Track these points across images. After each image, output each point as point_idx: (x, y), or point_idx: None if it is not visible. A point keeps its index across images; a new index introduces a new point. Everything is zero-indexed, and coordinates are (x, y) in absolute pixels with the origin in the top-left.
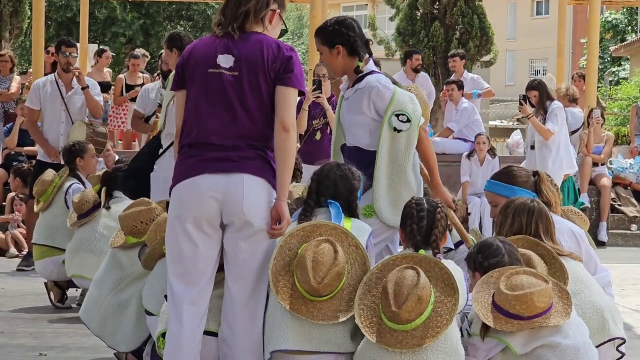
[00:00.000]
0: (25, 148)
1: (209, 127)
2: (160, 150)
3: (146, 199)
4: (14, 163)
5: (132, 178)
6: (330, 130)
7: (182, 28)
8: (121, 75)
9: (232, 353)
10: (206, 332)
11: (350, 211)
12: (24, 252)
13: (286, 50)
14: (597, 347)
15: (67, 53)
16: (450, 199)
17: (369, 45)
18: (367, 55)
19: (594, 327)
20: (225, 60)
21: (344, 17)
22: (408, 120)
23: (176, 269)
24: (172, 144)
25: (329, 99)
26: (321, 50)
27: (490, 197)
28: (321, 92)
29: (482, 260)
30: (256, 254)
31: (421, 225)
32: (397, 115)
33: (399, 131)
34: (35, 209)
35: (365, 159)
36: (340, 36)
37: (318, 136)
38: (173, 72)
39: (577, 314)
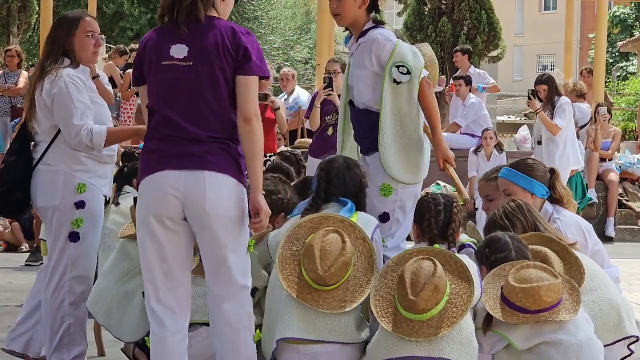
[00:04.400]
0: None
1: (168, 120)
2: (42, 146)
3: None
4: None
5: (15, 190)
6: None
7: None
8: (129, 70)
9: (222, 351)
10: (204, 324)
11: (358, 206)
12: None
13: (242, 36)
14: (611, 344)
15: None
16: (451, 155)
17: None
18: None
19: (610, 324)
20: (178, 51)
21: None
22: (408, 72)
23: (147, 270)
24: (57, 134)
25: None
26: None
27: (506, 185)
28: (332, 90)
29: (489, 255)
30: (226, 253)
31: (439, 220)
32: (398, 67)
33: (398, 83)
34: None
35: (369, 119)
36: None
37: (330, 132)
38: None
39: (594, 311)
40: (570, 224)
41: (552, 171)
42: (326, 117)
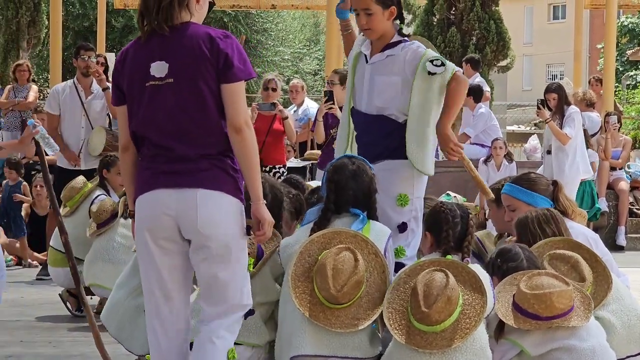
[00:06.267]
0: None
1: (157, 144)
2: None
3: None
4: (32, 172)
5: None
6: None
7: None
8: None
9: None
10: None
11: (370, 214)
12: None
13: (220, 41)
14: (635, 355)
15: (86, 57)
16: (456, 140)
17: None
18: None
19: (636, 334)
20: (158, 69)
21: None
22: (442, 65)
23: (147, 292)
24: None
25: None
26: (372, 10)
27: (509, 200)
28: (333, 103)
29: (500, 264)
30: (220, 274)
31: (456, 231)
32: (432, 61)
33: (433, 74)
34: (62, 212)
35: (384, 125)
36: None
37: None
38: None
39: (622, 320)
40: (576, 235)
41: (555, 183)
42: (331, 130)
